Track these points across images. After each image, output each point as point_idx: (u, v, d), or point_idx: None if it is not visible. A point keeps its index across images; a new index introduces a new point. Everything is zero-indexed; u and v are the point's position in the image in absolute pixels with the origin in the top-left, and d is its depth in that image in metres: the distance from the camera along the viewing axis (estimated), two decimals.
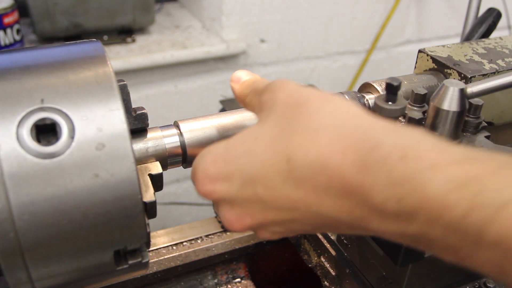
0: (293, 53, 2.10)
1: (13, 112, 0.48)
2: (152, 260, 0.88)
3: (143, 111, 0.64)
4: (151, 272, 0.87)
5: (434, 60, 0.83)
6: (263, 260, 1.01)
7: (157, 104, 1.89)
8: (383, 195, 0.40)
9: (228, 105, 1.03)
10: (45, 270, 0.50)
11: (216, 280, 0.93)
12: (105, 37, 1.76)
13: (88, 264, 0.53)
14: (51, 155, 0.48)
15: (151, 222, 0.60)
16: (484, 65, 0.81)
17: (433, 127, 0.68)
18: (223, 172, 0.50)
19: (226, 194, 0.50)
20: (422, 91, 0.70)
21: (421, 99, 0.70)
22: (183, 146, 0.67)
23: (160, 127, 0.68)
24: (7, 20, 1.51)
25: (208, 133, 0.69)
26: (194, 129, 0.68)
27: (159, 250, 0.92)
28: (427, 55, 0.84)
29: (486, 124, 0.73)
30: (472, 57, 0.84)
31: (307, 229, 0.49)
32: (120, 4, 1.69)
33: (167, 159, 0.66)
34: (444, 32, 2.44)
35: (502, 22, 1.04)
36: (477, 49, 0.87)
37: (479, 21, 0.96)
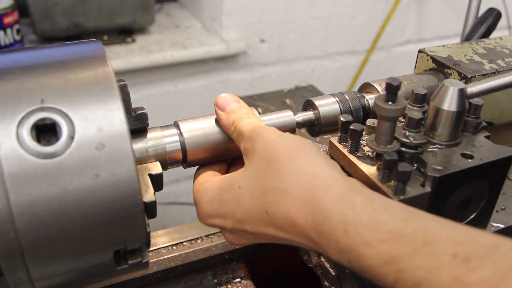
0: (293, 53, 2.10)
1: (13, 112, 0.48)
2: (152, 260, 0.88)
3: (143, 111, 0.64)
4: (151, 272, 0.87)
5: (434, 60, 0.83)
6: (263, 260, 1.01)
7: (157, 104, 1.89)
8: (335, 256, 0.51)
9: None
10: (45, 270, 0.50)
11: (216, 280, 0.93)
12: (105, 37, 1.76)
13: (88, 264, 0.53)
14: (51, 155, 0.48)
15: (151, 222, 0.60)
16: (484, 65, 0.81)
17: (433, 127, 0.68)
18: (218, 212, 0.62)
19: (223, 227, 0.63)
20: (422, 91, 0.70)
21: (421, 99, 0.70)
22: (183, 146, 0.67)
23: (160, 127, 0.68)
24: (7, 20, 1.51)
25: (208, 133, 0.69)
26: (194, 129, 0.68)
27: (159, 250, 0.92)
28: (427, 55, 0.84)
29: (486, 124, 0.73)
30: (472, 57, 0.84)
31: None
32: (120, 4, 1.69)
33: (167, 159, 0.66)
34: (444, 32, 2.44)
35: (502, 22, 1.04)
36: (477, 49, 0.87)
37: (479, 21, 0.96)
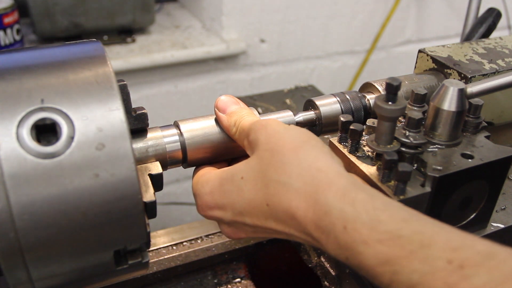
0: (293, 53, 2.10)
1: (13, 112, 0.48)
2: (152, 260, 0.88)
3: (143, 111, 0.64)
4: (151, 272, 0.87)
5: (434, 60, 0.83)
6: (263, 260, 1.01)
7: (157, 104, 1.89)
8: (334, 252, 0.51)
9: None
10: (45, 270, 0.50)
11: (216, 280, 0.93)
12: (105, 37, 1.76)
13: (88, 264, 0.53)
14: (51, 155, 0.48)
15: (151, 222, 0.60)
16: (484, 65, 0.81)
17: (433, 127, 0.68)
18: (219, 203, 0.61)
19: (222, 219, 0.62)
20: (422, 91, 0.70)
21: (421, 99, 0.70)
22: (183, 146, 0.67)
23: (160, 127, 0.68)
24: (7, 20, 1.51)
25: (208, 133, 0.69)
26: (194, 129, 0.68)
27: (159, 250, 0.92)
28: (427, 55, 0.84)
29: (486, 124, 0.73)
30: (472, 57, 0.84)
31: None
32: (120, 4, 1.69)
33: (167, 159, 0.66)
34: (444, 32, 2.44)
35: (502, 22, 1.04)
36: (477, 49, 0.87)
37: (479, 21, 0.96)
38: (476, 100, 0.71)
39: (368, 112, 0.77)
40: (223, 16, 1.88)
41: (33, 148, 0.48)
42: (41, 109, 0.49)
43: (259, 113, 0.71)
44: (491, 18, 0.95)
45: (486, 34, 0.95)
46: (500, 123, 0.88)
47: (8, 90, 0.49)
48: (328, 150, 0.58)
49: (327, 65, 2.22)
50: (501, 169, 0.68)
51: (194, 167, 0.71)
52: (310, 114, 0.75)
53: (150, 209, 0.57)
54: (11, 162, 0.46)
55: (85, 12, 1.65)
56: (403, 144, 0.64)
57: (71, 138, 0.49)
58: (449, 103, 0.66)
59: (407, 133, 0.65)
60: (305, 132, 0.59)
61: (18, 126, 0.48)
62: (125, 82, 0.60)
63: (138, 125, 0.64)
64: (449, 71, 0.81)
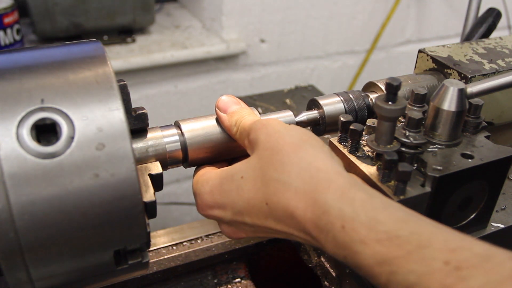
0: (293, 53, 2.10)
1: (13, 112, 0.48)
2: (152, 260, 0.88)
3: (143, 111, 0.64)
4: (151, 272, 0.87)
5: (434, 60, 0.83)
6: (263, 260, 1.01)
7: (157, 104, 1.89)
8: (332, 251, 0.51)
9: None
10: (45, 270, 0.50)
11: (216, 280, 0.93)
12: (105, 37, 1.76)
13: (88, 264, 0.53)
14: (51, 155, 0.48)
15: (151, 222, 0.60)
16: (484, 65, 0.81)
17: (433, 127, 0.68)
18: (219, 202, 0.61)
19: (222, 218, 0.62)
20: (422, 91, 0.70)
21: (421, 99, 0.70)
22: (183, 146, 0.67)
23: (160, 127, 0.68)
24: (7, 20, 1.51)
25: (208, 133, 0.69)
26: (195, 128, 0.68)
27: (159, 250, 0.92)
28: (427, 55, 0.84)
29: (486, 124, 0.73)
30: (472, 57, 0.84)
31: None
32: (120, 4, 1.69)
33: (167, 159, 0.66)
34: (444, 32, 2.44)
35: (502, 22, 1.04)
36: (477, 49, 0.87)
37: (479, 21, 0.96)
38: (476, 100, 0.71)
39: (371, 111, 0.77)
40: (223, 16, 1.88)
41: (33, 148, 0.48)
42: (41, 109, 0.49)
43: (259, 113, 0.71)
44: (491, 18, 0.95)
45: (486, 34, 0.95)
46: (500, 123, 0.88)
47: (8, 90, 0.49)
48: (328, 150, 0.58)
49: (327, 65, 2.22)
50: (501, 169, 0.68)
51: (194, 167, 0.71)
52: (313, 114, 0.75)
53: (150, 209, 0.57)
54: (11, 162, 0.46)
55: (85, 12, 1.65)
56: (403, 144, 0.64)
57: (71, 138, 0.49)
58: (449, 103, 0.66)
59: (407, 133, 0.65)
60: (305, 132, 0.59)
61: (18, 126, 0.48)
62: (125, 82, 0.60)
63: (138, 125, 0.64)
64: (449, 71, 0.81)
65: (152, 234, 0.94)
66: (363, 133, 0.68)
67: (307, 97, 1.22)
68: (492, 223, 0.74)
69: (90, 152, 0.49)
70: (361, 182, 0.60)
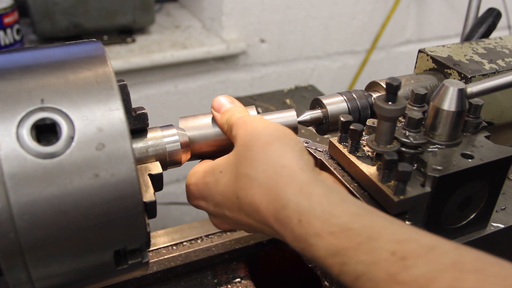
0: (293, 53, 2.10)
1: (13, 112, 0.48)
2: (152, 260, 0.88)
3: (143, 111, 0.64)
4: (151, 272, 0.87)
5: (434, 60, 0.83)
6: (263, 260, 1.01)
7: (157, 104, 1.89)
8: (292, 244, 0.54)
9: None
10: (45, 270, 0.50)
11: (216, 280, 0.93)
12: (105, 37, 1.76)
13: (88, 264, 0.53)
14: (51, 155, 0.48)
15: (151, 222, 0.60)
16: (484, 65, 0.81)
17: (433, 127, 0.68)
18: (202, 194, 0.65)
19: (206, 209, 0.66)
20: (422, 91, 0.70)
21: (421, 99, 0.70)
22: (183, 146, 0.67)
23: (160, 127, 0.68)
24: (7, 20, 1.51)
25: (208, 133, 0.69)
26: (193, 126, 0.69)
27: (159, 250, 0.92)
28: (427, 55, 0.84)
29: (486, 124, 0.73)
30: (472, 57, 0.84)
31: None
32: (120, 4, 1.69)
33: (167, 159, 0.66)
34: (444, 32, 2.44)
35: (502, 22, 1.04)
36: (477, 49, 0.87)
37: (479, 21, 0.96)
38: (476, 100, 0.71)
39: (374, 111, 0.77)
40: (223, 16, 1.88)
41: (33, 148, 0.48)
42: (41, 109, 0.49)
43: (258, 112, 0.71)
44: (491, 18, 0.95)
45: (486, 34, 0.95)
46: (500, 123, 0.88)
47: (8, 90, 0.49)
48: (299, 148, 0.59)
49: (327, 65, 2.22)
50: (501, 169, 0.68)
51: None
52: (317, 113, 0.75)
53: (150, 209, 0.57)
54: (11, 162, 0.46)
55: (85, 12, 1.65)
56: (403, 144, 0.64)
57: (71, 138, 0.49)
58: (449, 103, 0.66)
59: (407, 133, 0.65)
60: (282, 130, 0.61)
61: (18, 126, 0.48)
62: (125, 82, 0.60)
63: (138, 125, 0.64)
64: (449, 71, 0.81)
65: (152, 234, 0.94)
66: (363, 133, 0.68)
67: (307, 97, 1.22)
68: (492, 223, 0.74)
69: (90, 152, 0.49)
70: (328, 178, 0.65)
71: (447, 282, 0.43)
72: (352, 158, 0.67)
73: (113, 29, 1.77)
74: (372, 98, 0.77)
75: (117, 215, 0.51)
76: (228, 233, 0.97)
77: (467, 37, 0.97)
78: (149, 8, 1.77)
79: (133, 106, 0.63)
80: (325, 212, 0.51)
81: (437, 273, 0.44)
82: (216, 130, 0.70)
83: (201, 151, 0.70)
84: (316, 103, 0.77)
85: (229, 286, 0.92)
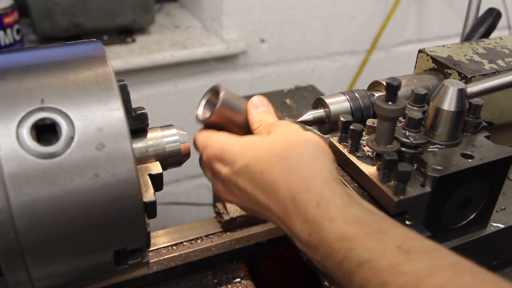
0: (293, 53, 2.10)
1: (13, 112, 0.48)
2: (152, 260, 0.88)
3: (143, 111, 0.64)
4: (151, 272, 0.87)
5: (434, 60, 0.83)
6: (263, 260, 1.01)
7: (157, 104, 1.89)
8: (299, 227, 0.56)
9: None
10: (45, 270, 0.50)
11: (216, 280, 0.93)
12: (105, 37, 1.76)
13: (88, 264, 0.53)
14: (51, 155, 0.48)
15: (151, 222, 0.60)
16: (484, 65, 0.81)
17: (433, 127, 0.68)
18: (224, 158, 0.64)
19: (219, 173, 0.66)
20: (422, 91, 0.70)
21: (421, 99, 0.70)
22: (183, 146, 0.67)
23: (160, 127, 0.68)
24: (7, 20, 1.51)
25: (238, 108, 0.69)
26: (234, 99, 0.68)
27: (159, 250, 0.92)
28: (427, 55, 0.84)
29: (486, 124, 0.73)
30: (472, 57, 0.84)
31: (258, 216, 0.67)
32: (120, 4, 1.69)
33: (167, 159, 0.67)
34: (444, 32, 2.43)
35: (502, 22, 1.04)
36: (477, 49, 0.87)
37: (479, 21, 0.96)
38: (476, 100, 0.71)
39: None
40: (223, 16, 1.88)
41: (33, 148, 0.47)
42: (41, 109, 0.49)
43: None
44: (491, 18, 0.95)
45: (486, 34, 0.95)
46: (500, 123, 0.88)
47: (8, 90, 0.49)
48: (332, 158, 0.62)
49: (327, 65, 2.22)
50: (501, 169, 0.68)
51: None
52: (319, 112, 0.75)
53: (150, 209, 0.57)
54: (11, 162, 0.46)
55: (85, 12, 1.64)
56: (403, 144, 0.64)
57: (71, 138, 0.49)
58: (449, 103, 0.66)
59: (407, 133, 0.65)
60: (323, 143, 0.64)
61: (18, 126, 0.48)
62: (125, 82, 0.60)
63: (138, 125, 0.64)
64: (449, 71, 0.81)
65: (152, 234, 0.94)
66: (363, 133, 0.68)
67: (307, 97, 1.22)
68: (492, 223, 0.74)
69: (90, 152, 0.49)
70: (350, 189, 0.66)
71: (445, 277, 0.46)
72: (352, 158, 0.67)
73: (113, 29, 1.77)
74: (374, 98, 0.77)
75: (117, 215, 0.51)
76: (228, 233, 0.97)
77: (467, 37, 0.97)
78: (149, 8, 1.77)
79: (133, 106, 0.63)
80: (344, 204, 0.54)
81: (436, 268, 0.47)
82: (243, 117, 0.70)
83: (220, 119, 0.68)
84: (319, 103, 0.77)
85: (229, 286, 0.92)
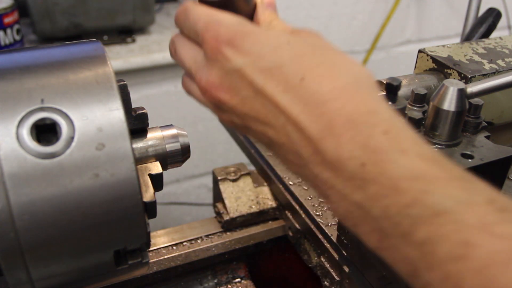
0: None
1: (13, 112, 0.48)
2: (152, 260, 0.88)
3: (143, 111, 0.64)
4: (151, 272, 0.87)
5: (434, 60, 0.83)
6: (263, 260, 1.01)
7: (157, 104, 1.89)
8: (350, 154, 0.42)
9: None
10: (45, 270, 0.50)
11: (216, 280, 0.93)
12: (105, 37, 1.76)
13: (88, 264, 0.53)
14: (51, 155, 0.48)
15: (151, 222, 0.60)
16: (484, 65, 0.81)
17: (433, 127, 0.68)
18: (246, 47, 0.48)
19: (229, 60, 0.49)
20: (422, 91, 0.70)
21: (421, 99, 0.70)
22: (183, 146, 0.67)
23: (160, 127, 0.68)
24: (7, 20, 1.51)
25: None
26: None
27: (159, 250, 0.92)
28: (427, 55, 0.84)
29: (486, 124, 0.73)
30: (472, 57, 0.84)
31: (262, 139, 0.51)
32: (120, 4, 1.69)
33: (167, 159, 0.67)
34: (444, 32, 2.43)
35: (502, 22, 1.04)
36: (477, 49, 0.87)
37: (479, 21, 0.96)
38: (476, 100, 0.71)
39: None
40: None
41: (33, 148, 0.47)
42: (41, 109, 0.49)
43: None
44: (491, 18, 0.95)
45: (486, 34, 0.95)
46: (500, 123, 0.88)
47: (8, 90, 0.49)
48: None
49: None
50: (501, 169, 0.68)
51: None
52: None
53: (150, 209, 0.57)
54: (11, 162, 0.46)
55: (85, 12, 1.64)
56: None
57: (71, 138, 0.49)
58: (449, 103, 0.66)
59: None
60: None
61: (18, 126, 0.48)
62: (125, 82, 0.60)
63: (138, 125, 0.64)
64: (449, 71, 0.81)
65: (152, 234, 0.94)
66: None
67: None
68: None
69: (90, 152, 0.49)
70: None
71: None
72: None
73: (113, 29, 1.77)
74: None
75: (117, 215, 0.51)
76: (228, 233, 0.97)
77: (467, 37, 0.97)
78: (149, 8, 1.77)
79: (133, 106, 0.63)
80: (418, 139, 0.42)
81: None
82: (249, 8, 0.62)
83: None
84: None
85: (229, 286, 0.92)
